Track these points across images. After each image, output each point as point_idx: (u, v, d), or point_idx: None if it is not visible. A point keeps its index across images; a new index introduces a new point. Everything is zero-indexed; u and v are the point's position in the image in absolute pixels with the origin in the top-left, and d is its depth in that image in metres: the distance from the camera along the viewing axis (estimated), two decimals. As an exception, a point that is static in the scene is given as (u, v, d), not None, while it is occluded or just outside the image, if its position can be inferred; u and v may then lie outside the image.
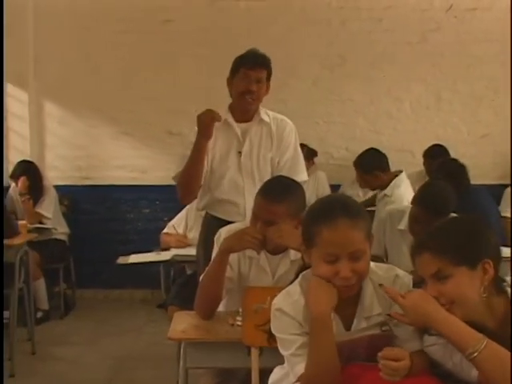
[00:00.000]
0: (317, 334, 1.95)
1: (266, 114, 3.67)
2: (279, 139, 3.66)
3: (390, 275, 2.10)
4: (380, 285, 2.01)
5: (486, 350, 1.75)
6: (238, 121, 3.65)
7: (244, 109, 3.61)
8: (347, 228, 1.93)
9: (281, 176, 3.17)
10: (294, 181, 2.96)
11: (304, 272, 2.11)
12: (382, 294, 2.02)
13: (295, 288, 2.09)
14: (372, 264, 2.08)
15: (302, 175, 3.71)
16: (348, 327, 2.05)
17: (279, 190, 2.77)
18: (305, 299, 2.03)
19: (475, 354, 1.75)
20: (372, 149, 5.41)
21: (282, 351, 2.06)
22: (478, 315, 1.86)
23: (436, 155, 5.65)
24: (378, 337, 2.01)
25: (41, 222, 5.98)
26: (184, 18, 6.45)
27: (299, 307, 2.04)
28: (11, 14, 6.29)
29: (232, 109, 3.68)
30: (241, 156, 3.62)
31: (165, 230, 5.26)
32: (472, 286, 1.86)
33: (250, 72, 3.50)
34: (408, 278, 2.12)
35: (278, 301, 2.08)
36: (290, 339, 2.02)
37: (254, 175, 3.63)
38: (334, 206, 1.99)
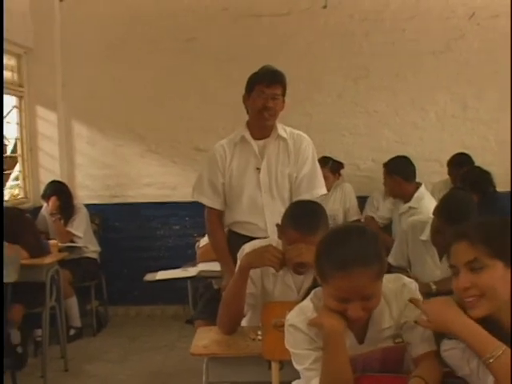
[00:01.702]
0: (330, 348, 1.96)
1: (283, 129, 3.71)
2: (296, 154, 3.69)
3: (397, 285, 2.12)
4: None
5: (503, 357, 1.75)
6: (255, 137, 3.70)
7: (261, 125, 3.65)
8: (360, 277, 1.91)
9: (304, 202, 3.15)
10: (316, 203, 2.97)
11: (316, 289, 2.13)
12: (393, 306, 2.03)
13: (307, 304, 2.12)
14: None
15: (320, 190, 3.75)
16: (361, 340, 2.06)
17: (309, 220, 2.77)
18: (317, 315, 2.05)
19: (491, 360, 1.76)
20: (403, 157, 5.44)
21: (295, 366, 2.08)
22: (502, 315, 1.85)
23: (461, 164, 5.63)
24: (391, 349, 2.02)
25: (72, 241, 6.07)
26: (208, 36, 6.51)
27: None
28: (39, 39, 6.45)
29: (249, 126, 3.73)
30: (259, 172, 3.66)
31: (201, 245, 5.29)
32: (504, 282, 1.85)
33: (266, 89, 3.55)
34: (414, 285, 2.15)
35: (291, 316, 2.11)
36: (303, 354, 2.05)
37: (272, 191, 3.67)
38: (348, 252, 1.94)
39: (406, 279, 2.16)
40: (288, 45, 6.42)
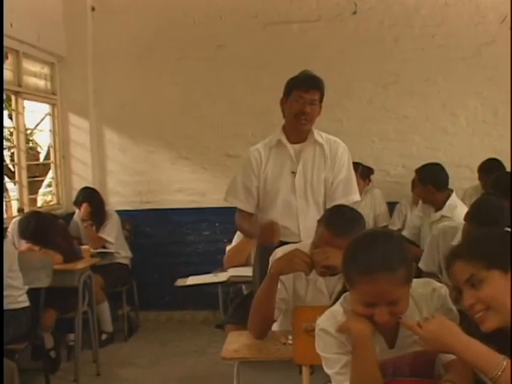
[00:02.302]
0: (358, 352, 1.97)
1: (319, 135, 3.72)
2: (333, 160, 3.70)
3: (427, 290, 2.12)
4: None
5: (506, 372, 1.74)
6: (291, 142, 3.71)
7: (298, 129, 3.67)
8: (386, 282, 1.91)
9: (342, 206, 3.13)
10: (356, 211, 2.95)
11: (346, 293, 2.14)
12: (423, 310, 2.04)
13: (338, 308, 2.12)
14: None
15: (354, 196, 3.76)
16: (391, 345, 2.06)
17: (343, 222, 2.76)
18: (346, 320, 2.06)
19: (498, 377, 1.75)
20: (436, 164, 5.40)
21: (326, 370, 2.09)
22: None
23: (491, 169, 5.57)
24: (421, 353, 2.02)
25: (104, 247, 6.14)
26: (237, 43, 6.55)
27: None
28: (72, 48, 6.56)
29: (285, 130, 3.74)
30: (294, 176, 3.68)
31: (228, 253, 5.32)
32: (507, 291, 1.85)
33: (304, 94, 3.57)
34: (444, 290, 2.13)
35: (322, 321, 2.12)
36: (333, 358, 2.05)
37: (307, 196, 3.68)
38: (374, 258, 1.94)
39: (436, 284, 2.15)
40: (318, 51, 6.42)
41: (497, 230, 2.01)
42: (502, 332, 1.84)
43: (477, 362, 1.80)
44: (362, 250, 2.00)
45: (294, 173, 3.69)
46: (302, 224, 3.64)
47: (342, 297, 2.16)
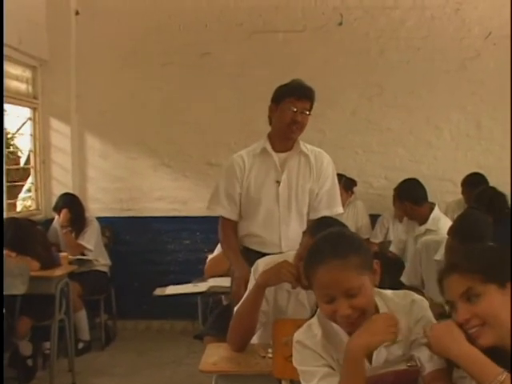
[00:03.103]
0: (349, 367, 1.92)
1: (304, 145, 3.68)
2: (318, 171, 3.67)
3: (406, 301, 2.07)
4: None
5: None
6: (276, 150, 3.67)
7: (286, 138, 3.62)
8: (336, 269, 1.91)
9: (328, 217, 3.11)
10: (340, 222, 2.89)
11: None
12: (401, 322, 1.98)
13: (314, 321, 2.09)
14: (389, 292, 2.08)
15: (338, 208, 3.73)
16: (369, 358, 2.02)
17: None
18: (323, 331, 2.03)
19: None
20: (412, 179, 5.39)
21: (303, 383, 2.03)
22: (507, 341, 1.80)
23: (475, 184, 5.58)
24: (403, 372, 1.97)
25: (83, 254, 6.06)
26: (222, 51, 6.52)
27: (318, 339, 2.03)
28: (54, 51, 6.48)
29: (271, 138, 3.69)
30: (278, 186, 3.63)
31: (209, 263, 5.28)
32: (504, 306, 1.81)
33: (297, 102, 3.52)
34: (425, 303, 2.09)
35: (298, 334, 2.08)
36: (311, 371, 2.00)
37: (291, 206, 3.63)
38: (324, 247, 1.98)
39: (416, 296, 2.11)
40: (302, 61, 6.40)
41: (495, 244, 1.97)
42: (498, 349, 1.80)
43: (473, 370, 1.77)
44: (315, 244, 2.05)
45: (278, 182, 3.64)
46: (284, 234, 3.59)
47: (318, 309, 2.12)
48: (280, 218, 3.63)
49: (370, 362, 2.00)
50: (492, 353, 1.80)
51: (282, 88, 3.62)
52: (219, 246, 5.09)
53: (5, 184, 5.78)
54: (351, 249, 1.97)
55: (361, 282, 1.94)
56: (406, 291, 2.18)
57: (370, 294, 1.97)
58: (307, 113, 3.57)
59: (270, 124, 3.71)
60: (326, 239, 2.03)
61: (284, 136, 3.63)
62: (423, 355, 1.96)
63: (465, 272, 1.85)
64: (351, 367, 1.92)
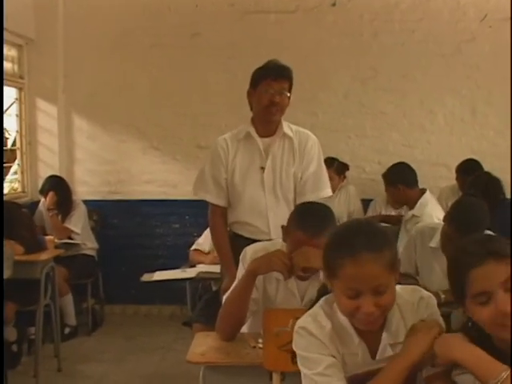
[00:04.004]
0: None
1: (288, 127, 3.58)
2: (302, 154, 3.57)
3: (414, 298, 1.98)
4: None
5: (507, 381, 1.62)
6: (260, 135, 3.56)
7: (267, 121, 3.53)
8: (371, 263, 1.78)
9: (312, 203, 3.03)
10: (325, 205, 2.82)
11: (327, 296, 2.00)
12: (408, 319, 1.91)
13: (318, 311, 1.98)
14: (397, 287, 1.94)
15: (326, 191, 3.62)
16: (374, 354, 1.93)
17: (317, 221, 2.62)
18: (332, 324, 1.92)
19: None
20: (401, 163, 5.31)
21: (303, 370, 1.92)
22: None
23: (469, 170, 5.50)
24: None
25: (70, 238, 5.97)
26: (213, 32, 6.38)
27: (326, 331, 1.93)
28: (41, 30, 6.33)
29: (254, 122, 3.59)
30: (263, 172, 3.53)
31: (194, 247, 5.21)
32: None
33: (273, 83, 3.42)
34: (433, 300, 2.00)
35: (304, 322, 1.97)
36: (315, 358, 1.89)
37: (276, 192, 3.54)
38: (357, 238, 1.83)
39: (425, 292, 2.01)
40: (294, 43, 6.29)
41: None
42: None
43: (476, 369, 1.68)
44: (344, 234, 1.90)
45: (262, 168, 3.55)
46: (272, 222, 3.50)
47: (322, 299, 2.01)
48: (267, 205, 3.54)
49: (374, 357, 1.92)
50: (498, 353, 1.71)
51: (258, 71, 3.53)
52: (206, 231, 5.05)
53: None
54: (385, 243, 1.86)
55: (390, 280, 1.85)
56: (415, 287, 2.07)
57: (395, 292, 1.88)
58: (286, 93, 3.47)
59: (251, 109, 3.60)
60: (360, 230, 1.88)
61: (264, 119, 3.54)
62: None
63: (506, 257, 1.72)
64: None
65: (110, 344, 5.66)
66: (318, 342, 1.91)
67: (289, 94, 3.50)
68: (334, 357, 1.90)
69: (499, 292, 1.69)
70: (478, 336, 1.77)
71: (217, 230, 3.68)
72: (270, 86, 3.42)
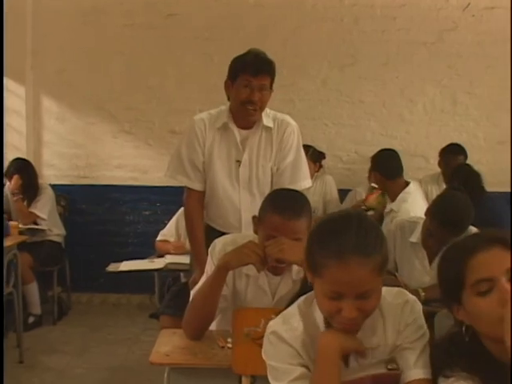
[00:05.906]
0: (321, 367, 1.68)
1: (267, 115, 3.36)
2: (279, 143, 3.36)
3: (399, 301, 1.81)
4: None
5: None
6: (238, 126, 3.37)
7: (245, 119, 3.32)
8: (359, 268, 1.62)
9: (284, 189, 2.87)
10: (297, 191, 2.68)
11: (307, 295, 1.84)
12: (388, 323, 1.76)
13: (294, 311, 1.82)
14: (382, 288, 1.77)
15: (305, 182, 3.43)
16: (347, 361, 1.76)
17: (293, 203, 2.47)
18: (304, 325, 1.76)
19: None
20: (386, 150, 5.15)
21: (272, 381, 1.77)
22: None
23: (453, 154, 5.42)
24: (382, 376, 1.72)
25: (35, 223, 5.77)
26: (189, 13, 6.19)
27: (298, 334, 1.76)
28: (9, 4, 6.05)
29: (232, 113, 3.38)
30: (239, 166, 3.35)
31: (159, 238, 5.08)
32: None
33: (253, 79, 3.17)
34: (418, 305, 1.83)
35: (275, 323, 1.81)
36: (284, 369, 1.73)
37: (251, 187, 3.36)
38: (347, 237, 1.66)
39: (410, 297, 1.84)
40: (273, 27, 6.14)
41: None
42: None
43: None
44: (332, 231, 1.70)
45: (238, 161, 3.35)
46: (244, 218, 3.30)
47: (301, 298, 1.85)
48: (241, 201, 3.37)
49: (347, 364, 1.76)
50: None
51: (237, 62, 3.26)
52: (172, 220, 4.91)
53: None
54: (376, 245, 1.67)
55: (378, 283, 1.69)
56: (400, 289, 1.89)
57: (380, 295, 1.73)
58: (267, 89, 3.23)
59: (229, 100, 3.36)
60: (349, 227, 1.68)
61: (241, 116, 3.31)
62: (407, 361, 1.72)
63: (508, 243, 1.59)
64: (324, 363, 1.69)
65: (75, 334, 5.48)
66: (288, 348, 1.75)
67: (270, 90, 3.27)
68: (305, 366, 1.74)
69: (503, 279, 1.56)
70: (470, 342, 1.64)
71: (192, 217, 3.47)
72: (248, 82, 3.18)
